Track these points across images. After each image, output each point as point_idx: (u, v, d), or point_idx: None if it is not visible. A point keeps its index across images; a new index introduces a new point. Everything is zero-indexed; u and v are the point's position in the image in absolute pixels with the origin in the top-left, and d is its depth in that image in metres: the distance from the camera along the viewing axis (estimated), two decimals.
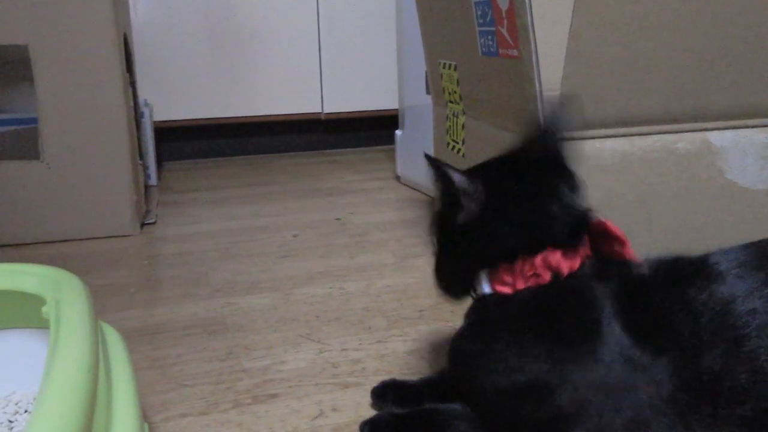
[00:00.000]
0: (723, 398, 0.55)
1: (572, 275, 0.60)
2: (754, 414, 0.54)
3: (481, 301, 0.65)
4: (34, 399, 0.67)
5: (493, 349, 0.61)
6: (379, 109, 2.35)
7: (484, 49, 0.89)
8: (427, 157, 0.63)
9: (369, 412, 0.73)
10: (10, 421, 0.67)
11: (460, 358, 0.65)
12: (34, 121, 1.40)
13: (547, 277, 0.60)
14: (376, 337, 0.92)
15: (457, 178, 0.62)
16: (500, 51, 0.84)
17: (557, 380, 0.57)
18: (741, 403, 0.54)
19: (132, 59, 1.70)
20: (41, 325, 0.66)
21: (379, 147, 2.47)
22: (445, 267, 0.69)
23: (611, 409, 0.56)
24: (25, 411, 0.69)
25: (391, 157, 2.05)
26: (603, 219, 0.63)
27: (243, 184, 1.97)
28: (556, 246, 0.60)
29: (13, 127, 1.73)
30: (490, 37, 0.86)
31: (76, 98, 1.37)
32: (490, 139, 0.93)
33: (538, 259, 0.60)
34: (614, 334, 0.57)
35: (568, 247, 0.61)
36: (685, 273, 0.60)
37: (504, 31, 0.81)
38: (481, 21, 0.87)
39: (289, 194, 1.81)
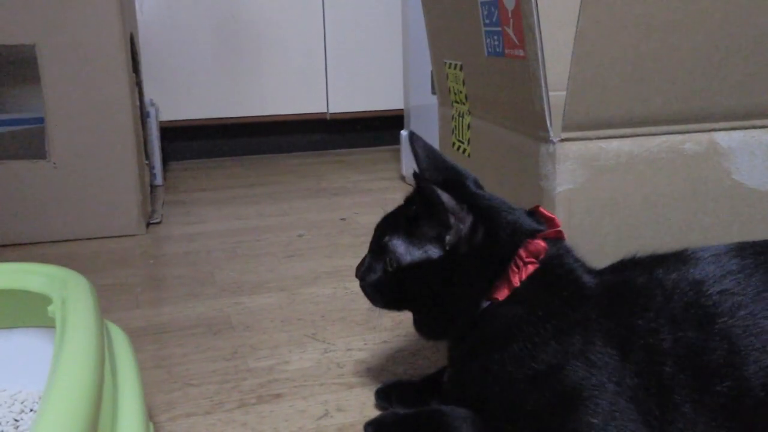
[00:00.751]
0: (701, 375, 0.56)
1: (550, 256, 0.64)
2: (734, 392, 0.55)
3: (482, 315, 0.64)
4: (40, 398, 0.67)
5: (510, 351, 0.61)
6: (384, 109, 2.35)
7: (489, 50, 0.89)
8: (416, 176, 0.65)
9: (374, 413, 0.74)
10: (16, 420, 0.67)
11: (472, 376, 0.65)
12: (40, 120, 1.41)
13: (533, 265, 0.63)
14: (381, 337, 0.92)
15: (446, 199, 0.62)
16: (506, 51, 0.84)
17: (564, 361, 0.59)
18: (720, 380, 0.56)
19: (138, 59, 1.70)
20: (47, 324, 0.66)
21: (384, 147, 2.47)
22: (434, 316, 0.68)
23: (604, 388, 0.57)
24: (31, 410, 0.69)
25: (396, 157, 2.05)
26: (536, 205, 0.70)
27: (248, 183, 1.97)
28: (532, 237, 0.65)
29: (19, 127, 1.73)
30: (495, 37, 0.86)
31: (82, 98, 1.37)
32: (496, 140, 0.93)
33: (524, 252, 0.63)
34: (597, 315, 0.61)
35: (540, 233, 0.65)
36: (659, 258, 0.64)
37: (510, 32, 0.81)
38: (487, 21, 0.87)
39: (294, 194, 1.81)
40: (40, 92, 1.36)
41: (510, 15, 0.80)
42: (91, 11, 1.34)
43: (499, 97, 0.90)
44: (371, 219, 0.73)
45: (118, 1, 1.36)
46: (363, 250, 0.72)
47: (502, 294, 0.63)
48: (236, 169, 2.20)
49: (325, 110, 2.33)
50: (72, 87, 1.37)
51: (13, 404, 0.69)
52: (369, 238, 0.72)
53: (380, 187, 1.87)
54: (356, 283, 0.72)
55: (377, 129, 2.49)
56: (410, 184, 1.85)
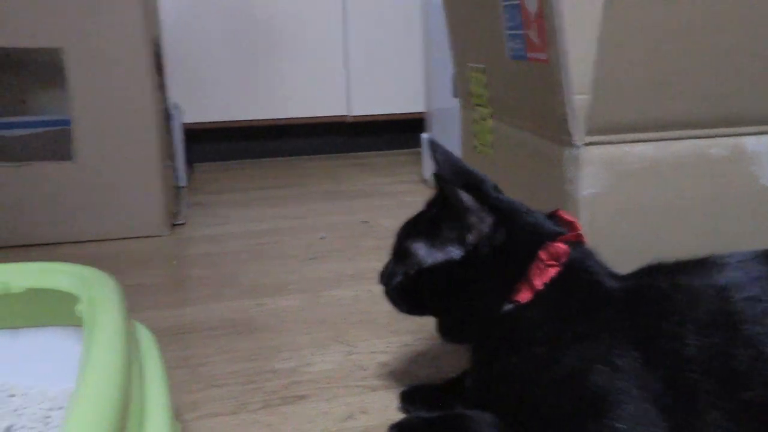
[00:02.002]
0: (727, 382, 0.55)
1: (572, 260, 0.64)
2: (760, 399, 0.54)
3: (503, 318, 0.65)
4: (70, 395, 0.68)
5: (533, 354, 0.61)
6: (404, 112, 2.35)
7: (512, 53, 0.89)
8: (438, 177, 0.65)
9: (397, 416, 0.74)
10: (46, 417, 0.68)
11: (495, 380, 0.65)
12: (65, 123, 1.43)
13: (554, 268, 0.63)
14: (403, 340, 0.92)
15: (467, 199, 0.63)
16: (529, 54, 0.84)
17: (588, 365, 0.58)
18: (746, 388, 0.55)
19: (161, 62, 1.71)
20: (75, 323, 0.67)
21: (404, 150, 2.47)
22: (456, 319, 0.69)
23: (630, 393, 0.57)
24: (60, 407, 0.70)
25: (417, 161, 2.05)
26: (556, 209, 0.69)
27: (270, 185, 1.98)
28: (552, 239, 0.64)
29: (44, 129, 1.75)
30: (518, 40, 0.86)
31: (107, 101, 1.39)
32: (519, 143, 0.93)
33: (545, 254, 0.63)
34: (621, 319, 0.60)
35: (561, 236, 0.65)
36: (683, 264, 0.63)
37: (532, 35, 0.81)
38: (509, 24, 0.87)
39: (315, 196, 1.82)
40: (64, 95, 1.38)
41: (532, 18, 0.80)
42: (116, 17, 1.36)
43: (522, 100, 0.90)
44: (392, 222, 0.74)
45: (143, 7, 1.38)
46: (385, 253, 0.73)
47: (524, 296, 0.63)
48: (258, 171, 2.21)
49: (346, 113, 2.34)
50: (97, 90, 1.38)
51: (43, 401, 0.70)
52: (391, 241, 0.72)
53: (401, 190, 1.87)
54: (378, 286, 0.72)
55: (397, 132, 2.49)
56: (431, 188, 1.85)
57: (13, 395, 0.71)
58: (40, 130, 1.74)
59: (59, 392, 0.72)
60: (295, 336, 0.95)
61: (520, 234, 0.65)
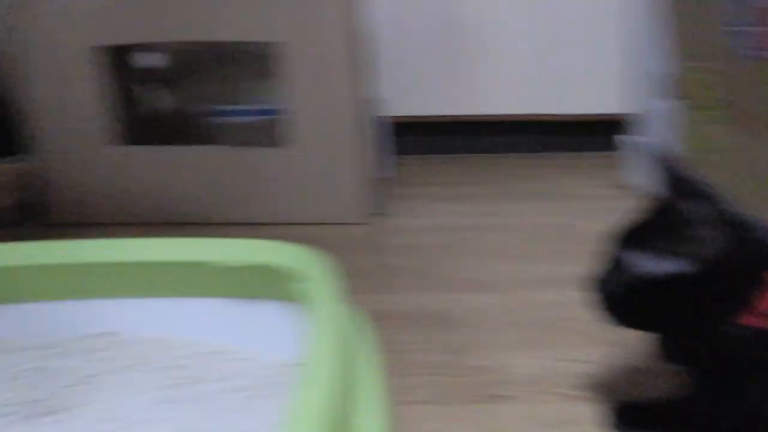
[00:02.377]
0: None
1: None
2: None
3: (731, 341, 0.60)
4: (284, 364, 0.71)
5: (761, 383, 0.56)
6: (599, 113, 2.28)
7: (740, 51, 0.83)
8: (665, 184, 0.61)
9: (602, 431, 0.71)
10: (260, 384, 0.72)
11: (717, 407, 0.61)
12: (271, 112, 1.54)
13: None
14: (611, 351, 0.88)
15: (695, 210, 0.59)
16: (760, 53, 0.78)
17: None
18: None
19: (366, 57, 1.77)
20: (290, 298, 0.71)
21: (600, 152, 2.38)
22: (674, 337, 0.66)
23: None
24: (270, 376, 0.73)
25: (613, 164, 1.97)
26: None
27: (468, 181, 1.98)
28: None
29: (253, 118, 1.89)
30: (746, 37, 0.80)
31: (315, 92, 1.46)
32: (746, 148, 0.86)
33: None
34: None
35: None
36: None
37: (764, 31, 0.75)
38: (735, 20, 0.81)
39: (511, 195, 1.80)
40: (270, 86, 1.47)
41: (763, 13, 0.74)
42: (326, 12, 1.42)
43: (752, 102, 0.83)
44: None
45: (351, 4, 1.43)
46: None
47: (755, 320, 0.58)
48: (457, 166, 2.22)
49: (542, 112, 2.30)
50: (307, 82, 1.45)
51: (257, 369, 0.74)
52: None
53: (599, 194, 1.81)
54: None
55: (592, 134, 2.41)
56: (631, 193, 1.77)
57: (232, 359, 0.77)
58: (248, 118, 1.88)
59: (271, 362, 0.76)
60: (494, 334, 0.94)
61: (753, 251, 0.60)
